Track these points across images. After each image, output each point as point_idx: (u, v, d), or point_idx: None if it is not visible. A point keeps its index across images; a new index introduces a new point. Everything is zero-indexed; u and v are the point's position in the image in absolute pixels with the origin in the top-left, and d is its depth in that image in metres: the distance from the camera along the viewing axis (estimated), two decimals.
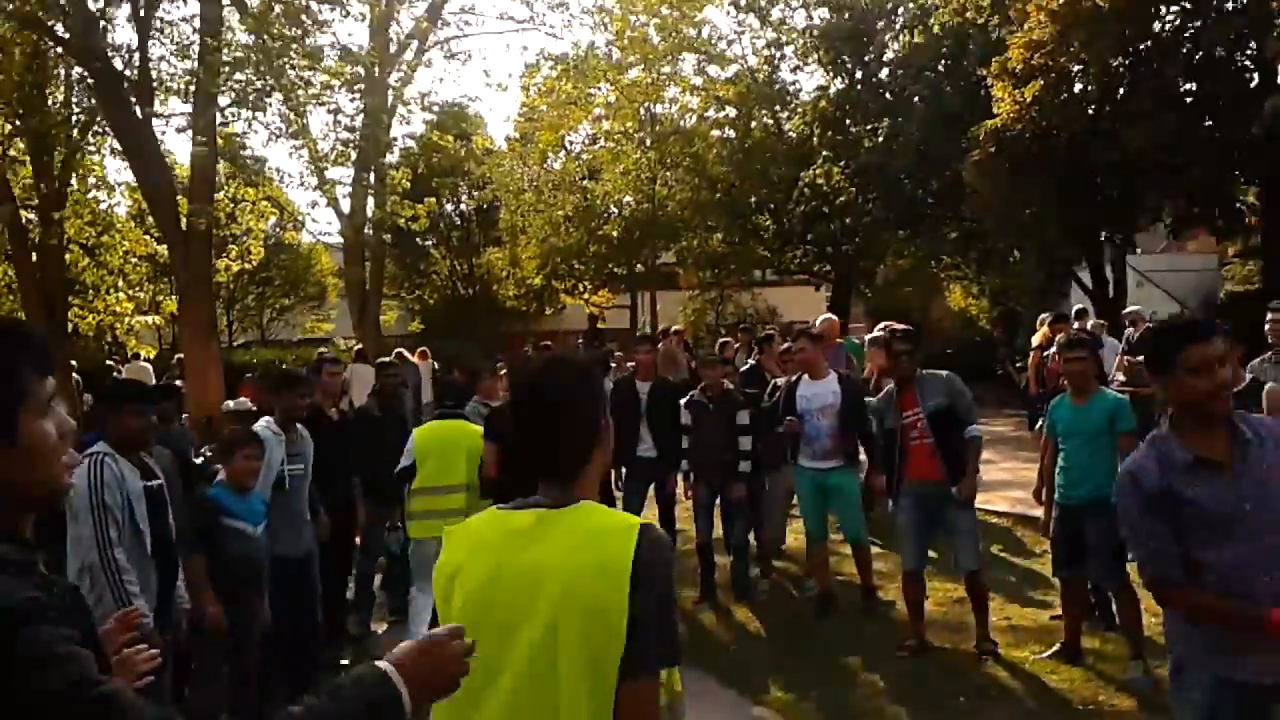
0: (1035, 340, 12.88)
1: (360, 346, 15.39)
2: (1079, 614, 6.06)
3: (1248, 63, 18.58)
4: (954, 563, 6.51)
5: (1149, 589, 3.01)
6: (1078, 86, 19.24)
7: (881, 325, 9.60)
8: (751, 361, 9.49)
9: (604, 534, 1.87)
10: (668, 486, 8.05)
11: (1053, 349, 9.53)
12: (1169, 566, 2.85)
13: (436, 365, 15.61)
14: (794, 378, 7.37)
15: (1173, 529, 2.84)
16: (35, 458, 1.47)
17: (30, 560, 1.44)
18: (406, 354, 15.15)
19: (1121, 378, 10.67)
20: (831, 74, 27.95)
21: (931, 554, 6.73)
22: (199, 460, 6.60)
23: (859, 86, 26.76)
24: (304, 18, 14.28)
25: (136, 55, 13.66)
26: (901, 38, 26.10)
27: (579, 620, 1.79)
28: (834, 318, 11.21)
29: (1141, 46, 18.64)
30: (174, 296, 18.65)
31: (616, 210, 27.96)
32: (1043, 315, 13.39)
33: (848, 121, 25.80)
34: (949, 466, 6.04)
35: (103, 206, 20.42)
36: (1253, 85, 18.14)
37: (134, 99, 13.65)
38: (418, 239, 28.93)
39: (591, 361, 2.42)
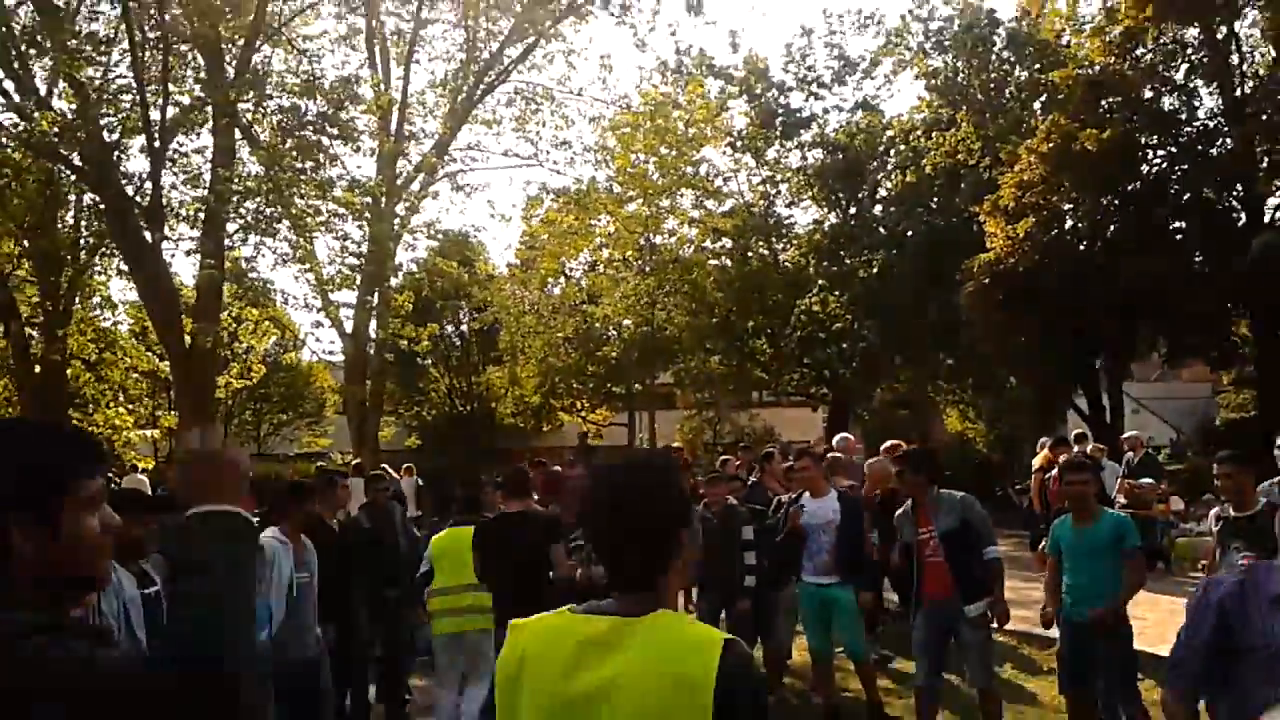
0: (1036, 463, 12.96)
1: (358, 461, 15.40)
2: None
3: (1234, 202, 19.13)
4: (966, 679, 6.47)
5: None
6: (1069, 223, 19.77)
7: (886, 445, 9.67)
8: (753, 479, 9.54)
9: (685, 647, 1.72)
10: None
11: (1054, 471, 9.60)
12: (1196, 663, 2.93)
13: (420, 481, 15.63)
14: (796, 494, 7.44)
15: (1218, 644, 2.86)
16: (79, 550, 1.54)
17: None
18: (390, 470, 15.11)
19: (1123, 500, 10.74)
20: (826, 209, 28.71)
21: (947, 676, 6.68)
22: None
23: (853, 221, 27.44)
24: (315, 151, 14.75)
25: (148, 183, 14.03)
26: (894, 176, 26.88)
27: None
28: (850, 436, 11.35)
29: (1130, 187, 19.23)
30: (173, 411, 18.76)
31: (615, 332, 28.28)
32: (1043, 439, 13.49)
33: (843, 253, 26.37)
34: (961, 585, 6.05)
35: (106, 324, 20.70)
36: (1240, 224, 18.64)
37: (144, 224, 13.98)
38: (418, 358, 29.18)
39: (674, 463, 2.11)
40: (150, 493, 11.16)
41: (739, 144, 28.00)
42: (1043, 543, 6.51)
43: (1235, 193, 18.88)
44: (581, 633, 1.80)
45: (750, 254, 27.93)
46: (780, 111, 28.31)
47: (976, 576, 6.10)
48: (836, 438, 10.59)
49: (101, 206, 14.92)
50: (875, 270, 24.71)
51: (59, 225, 17.67)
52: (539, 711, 1.80)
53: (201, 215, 14.48)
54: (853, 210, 27.71)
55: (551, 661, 1.80)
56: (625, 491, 1.86)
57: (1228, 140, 18.49)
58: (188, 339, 14.39)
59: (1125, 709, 5.77)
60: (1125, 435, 14.37)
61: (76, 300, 19.39)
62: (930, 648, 6.21)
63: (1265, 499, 5.62)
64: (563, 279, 28.51)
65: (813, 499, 7.29)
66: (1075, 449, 11.84)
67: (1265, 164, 18.42)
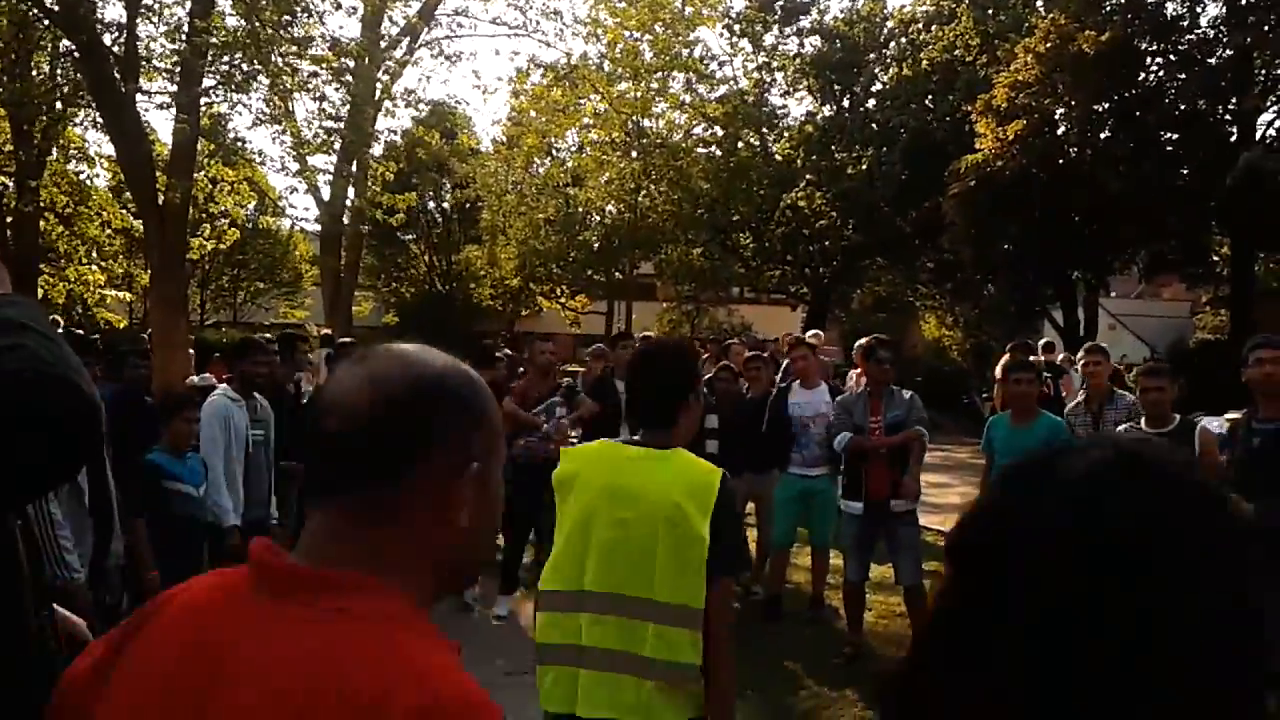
0: (998, 370, 13.01)
1: (329, 332, 15.32)
2: None
3: (1227, 117, 18.90)
4: (895, 576, 6.56)
5: None
6: (1060, 128, 19.54)
7: (862, 340, 9.68)
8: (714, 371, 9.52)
9: (698, 469, 2.70)
10: None
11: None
12: None
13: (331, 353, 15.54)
14: (785, 384, 7.44)
15: None
16: None
17: None
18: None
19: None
20: (820, 100, 28.24)
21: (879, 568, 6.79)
22: None
23: (846, 114, 27.05)
24: (295, 6, 14.27)
25: (124, 32, 13.59)
26: (890, 70, 26.40)
27: (668, 525, 2.57)
28: (820, 333, 11.34)
29: (1124, 94, 18.95)
30: (147, 272, 18.56)
31: (598, 217, 28.03)
32: (1009, 345, 13.52)
33: (833, 148, 26.04)
34: (895, 486, 6.12)
35: (82, 178, 20.32)
36: (1231, 140, 18.46)
37: (119, 74, 13.58)
38: (397, 233, 28.88)
39: (687, 347, 3.47)
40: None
41: (736, 26, 27.34)
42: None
43: (1229, 106, 18.64)
44: (623, 453, 2.76)
45: (740, 143, 27.54)
46: None
47: (908, 471, 6.16)
48: (809, 333, 10.55)
49: (76, 54, 14.47)
50: (864, 167, 24.44)
51: (33, 72, 17.19)
52: (589, 492, 2.71)
53: (178, 68, 14.08)
54: (846, 103, 27.27)
55: (600, 468, 2.74)
56: (654, 359, 2.89)
57: (1227, 50, 18.18)
58: (160, 196, 14.13)
59: None
60: (1086, 345, 14.42)
61: (53, 151, 19.00)
62: (864, 544, 6.30)
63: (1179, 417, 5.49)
64: (547, 159, 28.10)
65: (803, 389, 7.28)
66: (1042, 357, 11.85)
67: (1262, 77, 18.17)
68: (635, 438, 2.79)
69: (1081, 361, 6.67)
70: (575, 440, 6.87)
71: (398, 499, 1.07)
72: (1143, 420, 5.40)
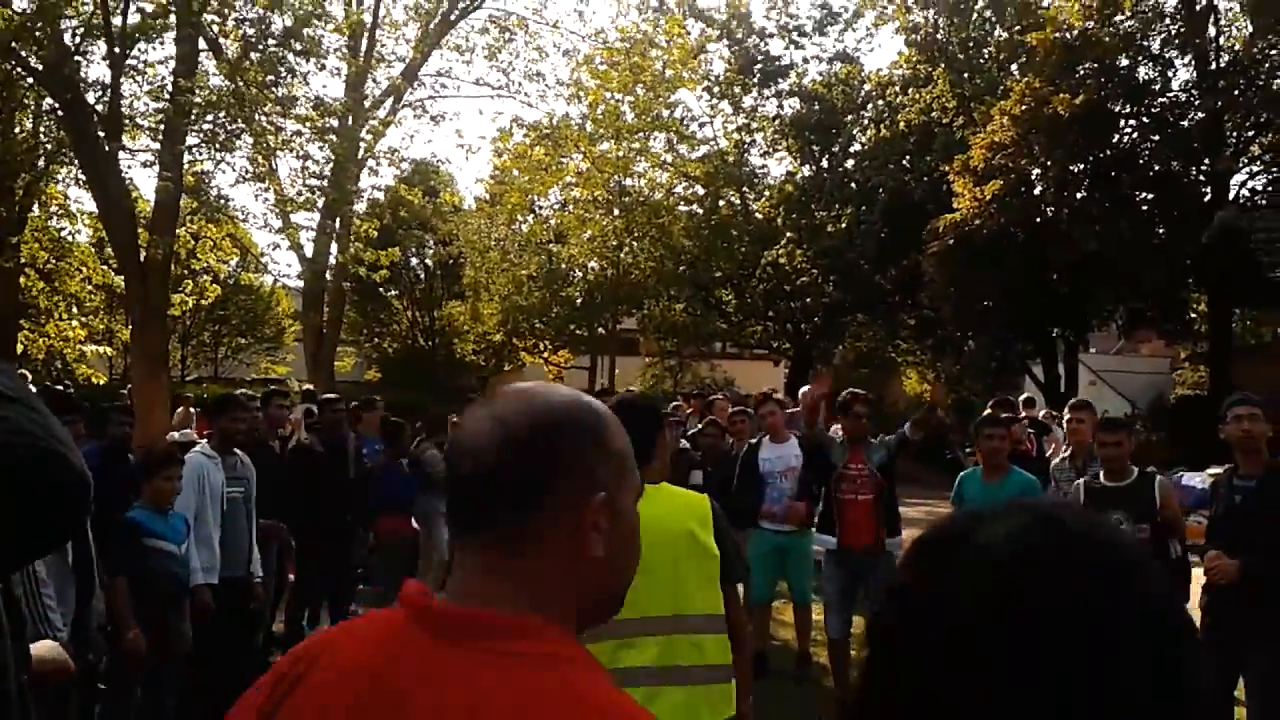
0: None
1: (310, 388, 15.27)
2: None
3: (1200, 177, 19.24)
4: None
5: None
6: (1036, 188, 19.83)
7: (845, 393, 9.69)
8: (700, 426, 9.52)
9: (693, 498, 3.22)
10: None
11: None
12: None
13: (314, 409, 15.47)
14: (755, 440, 7.44)
15: None
16: None
17: None
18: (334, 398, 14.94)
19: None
20: (799, 160, 28.62)
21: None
22: None
23: (825, 174, 27.38)
24: (280, 67, 14.41)
25: (108, 91, 13.68)
26: (869, 131, 26.80)
27: (689, 546, 3.00)
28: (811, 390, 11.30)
29: (1099, 155, 19.27)
30: (128, 326, 18.49)
31: (581, 274, 28.15)
32: (991, 402, 13.55)
33: (812, 206, 26.32)
34: (887, 527, 6.14)
35: (64, 234, 20.31)
36: (1205, 199, 18.76)
37: (102, 132, 13.65)
38: (380, 288, 28.92)
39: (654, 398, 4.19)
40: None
41: (716, 89, 27.74)
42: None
43: (1202, 167, 18.98)
44: None
45: (721, 202, 27.80)
46: (759, 58, 28.09)
47: (897, 513, 6.28)
48: (802, 390, 10.55)
49: (60, 113, 14.54)
50: (843, 225, 24.70)
51: (16, 130, 17.24)
52: None
53: (161, 126, 14.17)
54: (825, 163, 27.63)
55: None
56: (629, 406, 3.00)
57: (1198, 113, 18.55)
58: (142, 252, 14.14)
59: None
60: (1071, 402, 14.47)
61: (34, 208, 19.00)
62: (845, 598, 6.27)
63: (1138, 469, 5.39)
64: (530, 216, 28.27)
65: (773, 444, 7.28)
66: (1023, 413, 11.89)
67: (1233, 139, 18.52)
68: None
69: (1066, 417, 6.66)
70: None
71: (530, 531, 1.11)
72: (1102, 474, 5.41)
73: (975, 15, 25.49)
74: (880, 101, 26.72)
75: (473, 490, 1.14)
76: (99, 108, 13.74)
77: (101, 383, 21.09)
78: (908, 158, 24.95)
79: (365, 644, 1.13)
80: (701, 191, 27.72)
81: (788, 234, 26.25)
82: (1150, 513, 4.98)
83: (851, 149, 27.67)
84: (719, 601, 3.05)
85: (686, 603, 2.94)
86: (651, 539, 2.64)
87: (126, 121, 14.08)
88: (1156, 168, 19.04)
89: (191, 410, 13.42)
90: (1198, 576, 4.97)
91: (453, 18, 19.65)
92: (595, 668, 1.10)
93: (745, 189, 28.32)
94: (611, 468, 1.17)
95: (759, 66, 28.04)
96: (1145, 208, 19.33)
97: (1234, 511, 4.78)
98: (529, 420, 1.14)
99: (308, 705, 1.10)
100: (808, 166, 28.47)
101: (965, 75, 23.81)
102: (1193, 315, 21.50)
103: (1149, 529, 4.98)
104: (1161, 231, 18.86)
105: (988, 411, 8.52)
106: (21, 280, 19.06)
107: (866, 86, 27.50)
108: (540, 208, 28.45)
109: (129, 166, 20.72)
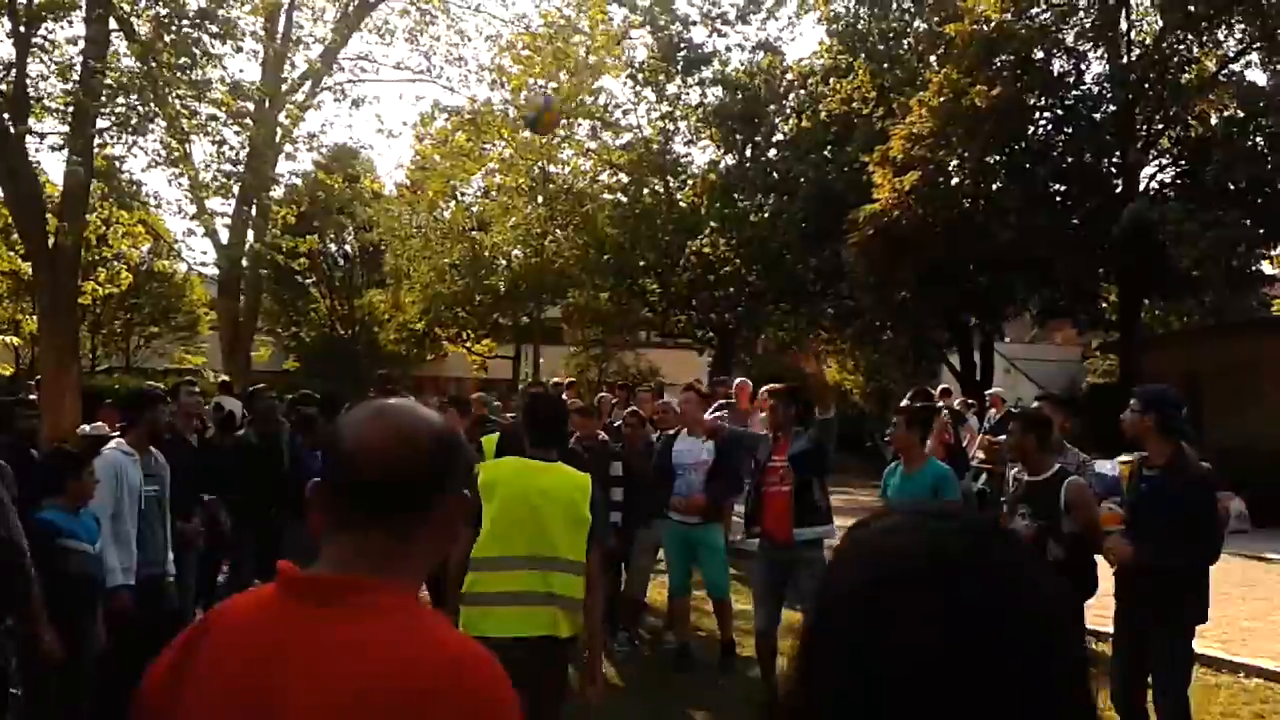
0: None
1: (226, 379, 14.94)
2: None
3: (1113, 169, 19.74)
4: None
5: None
6: (954, 180, 20.17)
7: (766, 388, 9.78)
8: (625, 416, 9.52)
9: (578, 476, 4.28)
10: None
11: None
12: None
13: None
14: (671, 431, 7.46)
15: None
16: None
17: None
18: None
19: (982, 455, 11.09)
20: (722, 149, 28.72)
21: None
22: None
23: (748, 163, 27.53)
24: (194, 49, 14.03)
25: (14, 71, 13.20)
26: (790, 121, 27.00)
27: (566, 509, 4.13)
28: (748, 381, 11.36)
29: (1015, 146, 19.67)
30: (35, 316, 17.89)
31: (504, 262, 27.98)
32: (910, 393, 13.81)
33: (735, 195, 26.46)
34: (800, 508, 6.11)
35: None
36: (1117, 190, 19.27)
37: (7, 115, 13.18)
38: (298, 276, 28.38)
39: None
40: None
41: (639, 76, 27.71)
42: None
43: (1114, 159, 19.48)
44: (529, 466, 4.26)
45: (645, 190, 27.81)
46: (683, 46, 28.08)
47: (817, 503, 6.20)
48: (736, 380, 10.62)
49: None
50: (766, 215, 24.89)
51: None
52: (512, 498, 4.11)
53: (70, 109, 13.71)
54: (748, 153, 27.79)
55: (518, 475, 4.24)
56: (541, 401, 4.72)
57: (1110, 106, 19.04)
58: (51, 239, 13.69)
59: None
60: (989, 391, 14.81)
61: None
62: (770, 591, 6.28)
63: (1058, 466, 5.41)
64: (453, 203, 28.00)
65: (688, 436, 7.30)
66: (940, 403, 12.14)
67: (1144, 132, 19.04)
68: (534, 452, 4.31)
69: (1033, 406, 6.71)
70: None
71: (420, 522, 1.41)
72: (1020, 468, 5.50)
73: (895, 6, 25.80)
74: (802, 91, 26.94)
75: (378, 492, 1.39)
76: (3, 88, 13.27)
77: (8, 374, 20.39)
78: (829, 148, 25.19)
79: (249, 608, 1.43)
80: (625, 180, 27.71)
81: (711, 223, 26.37)
82: (1053, 511, 5.04)
83: (774, 138, 27.86)
84: (583, 553, 4.14)
85: (563, 549, 4.08)
86: (544, 500, 4.12)
87: (33, 103, 13.61)
88: (1070, 159, 19.48)
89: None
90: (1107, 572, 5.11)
91: (372, 0, 19.31)
92: (440, 617, 1.48)
93: (669, 177, 28.37)
94: (466, 473, 1.53)
95: (682, 54, 28.05)
96: (1060, 199, 19.78)
97: (1140, 500, 4.94)
98: (427, 434, 1.44)
99: (209, 658, 1.35)
100: (731, 155, 28.61)
101: (885, 66, 24.10)
102: (1104, 305, 22.08)
103: (1035, 527, 5.03)
104: (1076, 222, 19.32)
105: (904, 403, 8.68)
106: None
107: (789, 76, 27.70)
108: (463, 195, 28.22)
109: (36, 150, 20.00)
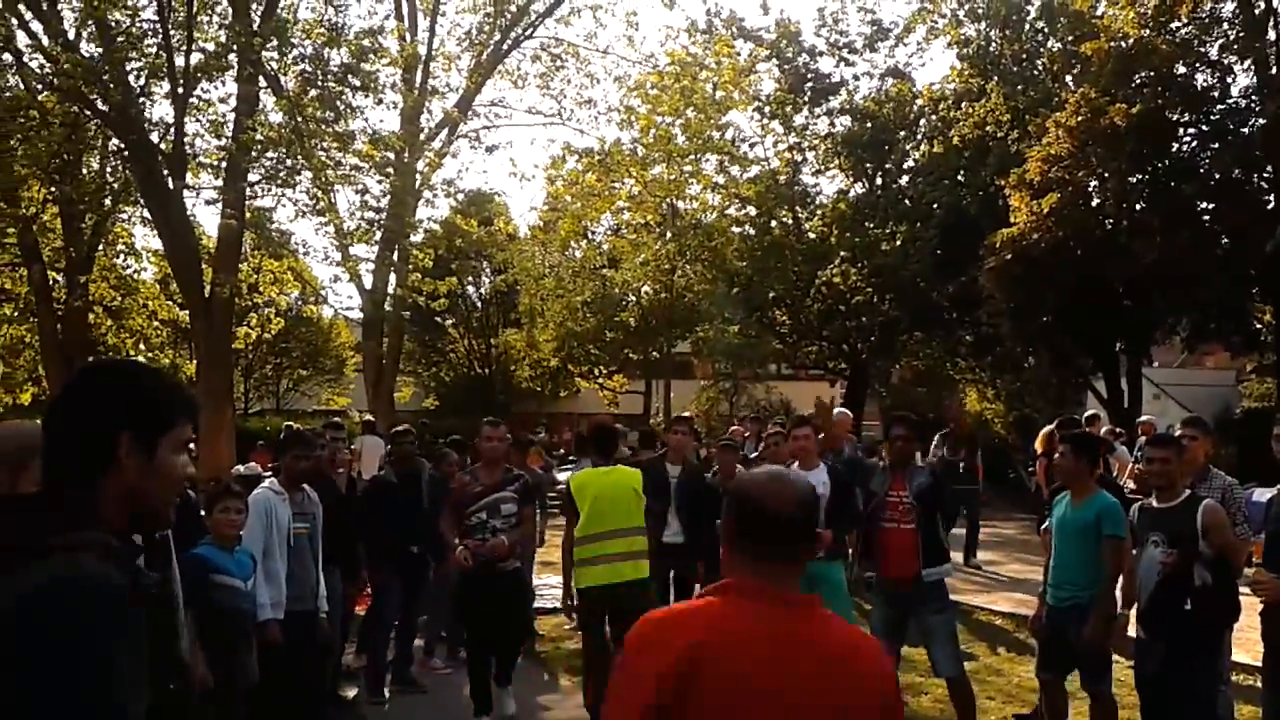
0: (1038, 445, 12.81)
1: (370, 418, 15.46)
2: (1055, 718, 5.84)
3: (1263, 184, 18.80)
4: (933, 668, 6.32)
5: None
6: (1094, 200, 19.51)
7: (896, 415, 9.63)
8: (757, 451, 9.50)
9: (632, 473, 6.59)
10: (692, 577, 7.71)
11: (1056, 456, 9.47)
12: None
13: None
14: (786, 464, 7.37)
15: None
16: (162, 481, 1.72)
17: (132, 555, 1.67)
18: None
19: (1132, 485, 10.63)
20: (852, 178, 28.43)
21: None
22: None
23: (878, 191, 27.17)
24: (338, 103, 14.68)
25: (172, 130, 14.02)
26: (922, 147, 26.58)
27: (631, 494, 6.36)
28: (847, 412, 11.29)
29: (1158, 164, 18.93)
30: (193, 361, 18.86)
31: (634, 298, 28.24)
32: (1055, 421, 13.35)
33: (866, 224, 26.14)
34: (926, 547, 5.95)
35: (129, 272, 20.82)
36: (1269, 207, 18.34)
37: (167, 171, 13.99)
38: (437, 318, 29.24)
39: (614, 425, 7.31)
40: None
41: (766, 109, 27.71)
42: (1046, 523, 6.37)
43: (1264, 174, 18.55)
44: (600, 470, 6.54)
45: (773, 222, 27.72)
46: (810, 76, 27.95)
47: (940, 540, 6.06)
48: (835, 412, 10.49)
49: (126, 153, 14.94)
50: (898, 243, 24.50)
51: (84, 170, 17.75)
52: (595, 487, 6.37)
53: (224, 164, 14.50)
54: (878, 181, 27.44)
55: (597, 477, 6.49)
56: (598, 429, 6.95)
57: (1259, 119, 18.14)
58: (207, 289, 14.46)
59: (1089, 688, 5.66)
60: (1140, 419, 14.19)
61: (100, 247, 19.51)
62: (890, 629, 6.09)
63: (1189, 491, 5.15)
64: (584, 242, 28.44)
65: (802, 470, 7.15)
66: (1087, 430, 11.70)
67: None
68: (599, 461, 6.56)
69: (1178, 433, 6.41)
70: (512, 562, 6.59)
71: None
72: (1153, 496, 5.26)
73: (1028, 27, 25.24)
74: (933, 116, 26.49)
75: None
76: (163, 147, 14.10)
77: None
78: (962, 173, 24.68)
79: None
80: (754, 212, 27.66)
81: (841, 253, 26.08)
82: (1188, 537, 4.79)
83: (905, 165, 27.45)
84: (643, 520, 6.37)
85: (634, 520, 6.30)
86: (616, 491, 6.39)
87: (190, 160, 14.43)
88: (1217, 176, 18.61)
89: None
90: (1254, 605, 4.83)
91: (505, 47, 19.89)
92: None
93: (797, 208, 28.20)
94: None
95: (809, 85, 27.92)
96: (1206, 217, 18.90)
97: (1276, 531, 4.67)
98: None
99: (727, 678, 1.84)
100: (860, 184, 28.29)
101: (1019, 88, 23.55)
102: (1258, 326, 20.97)
103: (1176, 554, 4.81)
104: (1224, 241, 18.44)
105: (1047, 430, 8.38)
106: (90, 318, 19.56)
107: (919, 102, 27.28)
108: (593, 233, 28.65)
109: (193, 204, 21.19)
